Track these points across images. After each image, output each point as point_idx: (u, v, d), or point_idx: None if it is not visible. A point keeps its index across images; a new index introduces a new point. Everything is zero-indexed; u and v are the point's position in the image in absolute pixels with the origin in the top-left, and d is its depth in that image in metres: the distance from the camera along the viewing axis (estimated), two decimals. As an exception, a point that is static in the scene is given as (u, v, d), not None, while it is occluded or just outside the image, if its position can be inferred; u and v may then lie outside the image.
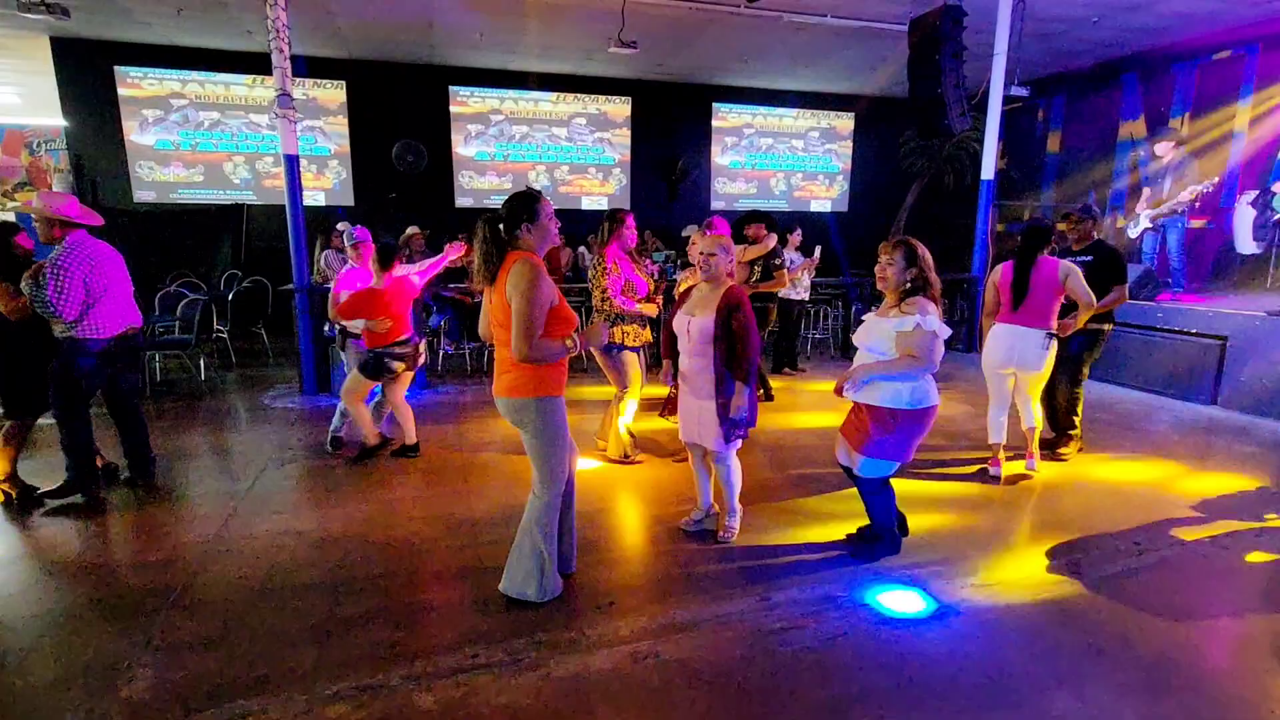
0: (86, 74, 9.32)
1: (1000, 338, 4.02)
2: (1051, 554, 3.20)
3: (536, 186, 11.44)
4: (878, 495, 3.08)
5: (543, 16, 8.09)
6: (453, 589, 2.93)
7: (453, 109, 10.94)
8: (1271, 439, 4.99)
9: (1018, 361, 3.98)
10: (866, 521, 3.22)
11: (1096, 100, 10.46)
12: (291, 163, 5.71)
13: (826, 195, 13.26)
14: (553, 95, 11.30)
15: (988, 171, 7.90)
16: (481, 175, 11.28)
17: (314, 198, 10.50)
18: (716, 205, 12.54)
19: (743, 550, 3.24)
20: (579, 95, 11.42)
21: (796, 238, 6.92)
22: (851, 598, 2.82)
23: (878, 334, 2.90)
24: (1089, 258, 4.28)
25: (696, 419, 3.18)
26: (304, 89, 10.18)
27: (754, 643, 2.52)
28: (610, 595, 2.85)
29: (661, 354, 3.80)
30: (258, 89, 10.02)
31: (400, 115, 10.61)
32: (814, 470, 4.29)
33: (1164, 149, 6.99)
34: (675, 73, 11.26)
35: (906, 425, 2.89)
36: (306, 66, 10.06)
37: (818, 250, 6.95)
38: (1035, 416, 4.17)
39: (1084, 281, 3.86)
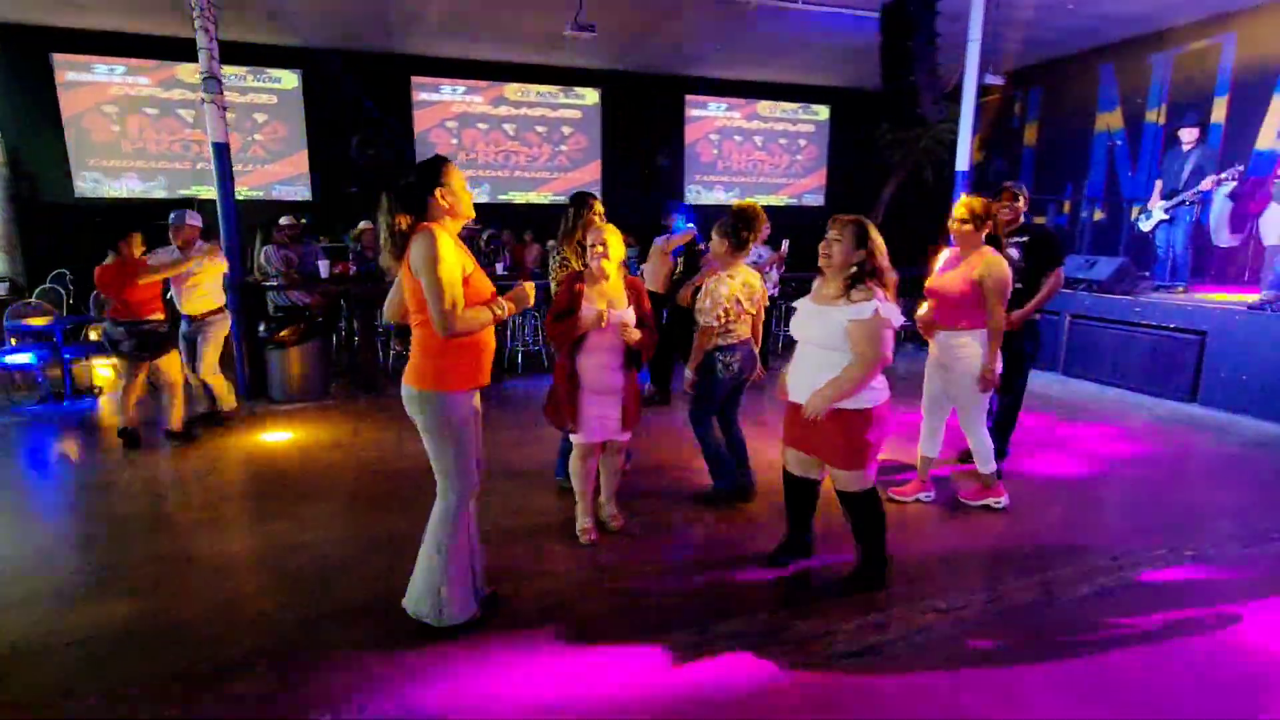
0: (21, 62, 8.82)
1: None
2: (1020, 572, 2.93)
3: (487, 188, 11.09)
4: (872, 512, 2.71)
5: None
6: (356, 625, 2.60)
7: (415, 99, 10.54)
8: (1253, 438, 4.79)
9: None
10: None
11: (1073, 91, 10.28)
12: (221, 151, 5.32)
13: (802, 188, 13.00)
14: (519, 85, 10.93)
15: (962, 162, 7.66)
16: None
17: (277, 191, 10.07)
18: (691, 199, 12.25)
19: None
20: (547, 86, 11.06)
21: (764, 231, 6.61)
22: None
23: (826, 326, 2.55)
24: (1024, 237, 3.92)
25: (612, 415, 3.11)
26: (261, 78, 9.76)
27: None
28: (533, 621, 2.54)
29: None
30: (207, 78, 9.55)
31: (361, 106, 10.18)
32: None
33: (1189, 138, 6.67)
34: (645, 64, 10.94)
35: (877, 423, 2.60)
36: (258, 55, 9.65)
37: (785, 243, 6.67)
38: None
39: None
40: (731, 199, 12.51)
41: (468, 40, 9.67)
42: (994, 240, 3.32)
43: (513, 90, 10.95)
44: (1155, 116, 9.25)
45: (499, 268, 7.68)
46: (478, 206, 9.60)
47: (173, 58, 9.28)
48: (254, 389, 5.68)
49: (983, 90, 8.08)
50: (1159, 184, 6.82)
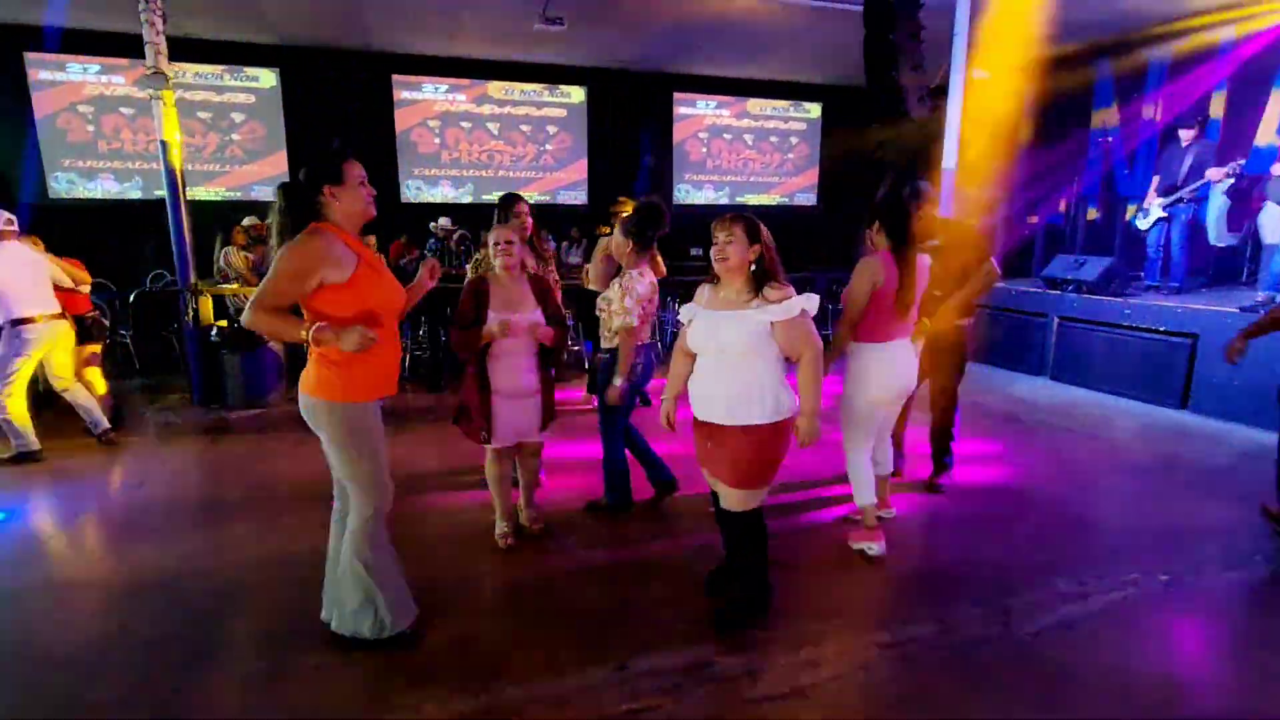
0: (-10, 60, 8.68)
1: (892, 362, 3.03)
2: (977, 602, 2.71)
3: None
4: (755, 536, 2.49)
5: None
6: (263, 654, 2.40)
7: (397, 98, 10.36)
8: (1245, 448, 4.54)
9: (905, 384, 3.12)
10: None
11: (1068, 87, 10.00)
12: (168, 149, 5.13)
13: (794, 188, 12.76)
14: (503, 84, 10.74)
15: (949, 160, 7.43)
16: (430, 167, 10.71)
17: (256, 192, 9.91)
18: (680, 198, 12.03)
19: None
20: (532, 84, 10.86)
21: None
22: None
23: (743, 330, 2.30)
24: (934, 241, 3.60)
25: (527, 417, 3.07)
26: (238, 77, 9.61)
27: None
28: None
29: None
30: (185, 76, 9.40)
31: (341, 106, 10.01)
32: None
33: (1187, 134, 6.40)
34: (631, 60, 10.73)
35: (783, 438, 2.38)
36: (235, 54, 9.49)
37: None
38: (890, 452, 3.40)
39: None
40: (721, 198, 12.30)
41: (448, 38, 9.49)
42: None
43: (496, 88, 10.76)
44: (1152, 112, 9.00)
45: (467, 268, 7.47)
46: (461, 206, 9.51)
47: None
48: (208, 395, 5.50)
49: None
50: (1156, 180, 6.55)
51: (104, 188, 9.35)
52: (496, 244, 2.96)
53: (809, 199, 12.87)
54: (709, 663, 2.32)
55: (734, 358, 2.34)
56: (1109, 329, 5.97)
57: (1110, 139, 9.29)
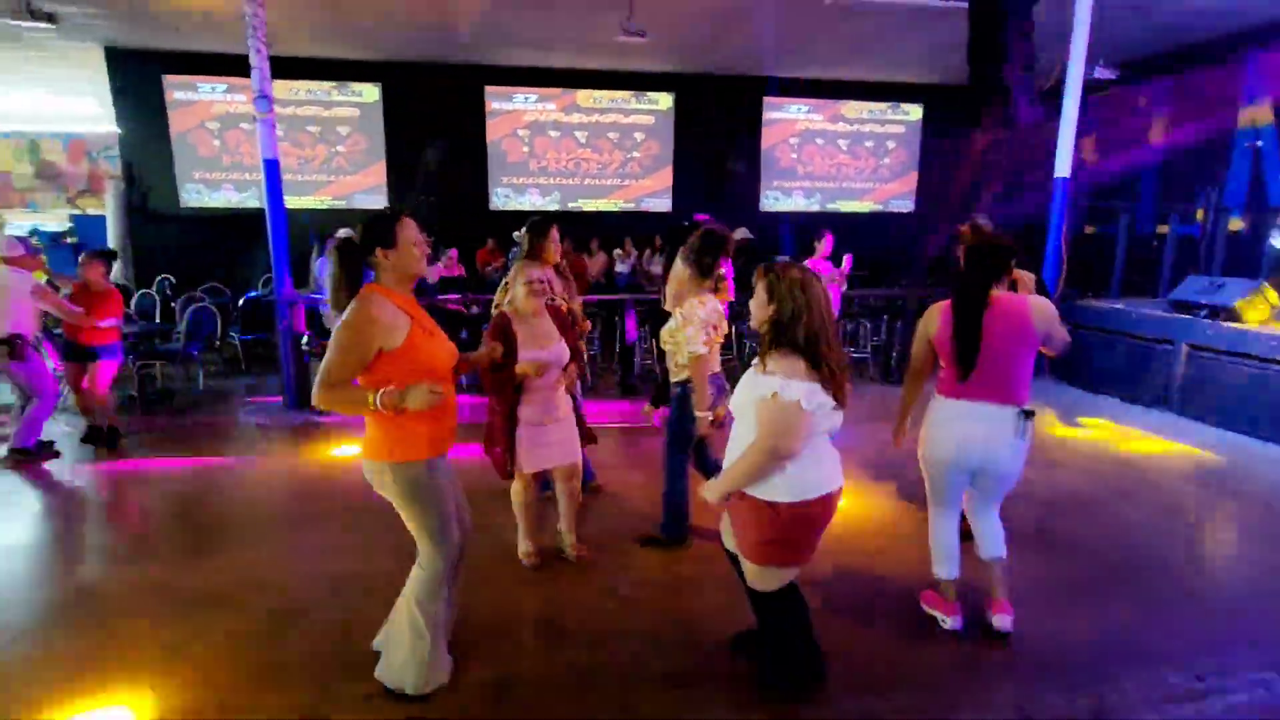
0: (136, 83, 9.60)
1: (949, 422, 2.62)
2: (1064, 689, 2.39)
3: (552, 198, 11.02)
4: (775, 611, 2.25)
5: (549, 6, 7.60)
6: (299, 682, 2.45)
7: (489, 109, 10.66)
8: None
9: (980, 458, 2.58)
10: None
11: (1211, 82, 8.94)
12: (272, 167, 5.47)
13: (889, 194, 12.14)
14: (591, 92, 10.81)
15: (1062, 168, 6.78)
16: (518, 175, 10.95)
17: (358, 200, 10.50)
18: (767, 205, 11.72)
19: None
20: (620, 91, 10.87)
21: (826, 245, 6.09)
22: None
23: (745, 394, 2.11)
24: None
25: (560, 440, 3.09)
26: (344, 92, 10.19)
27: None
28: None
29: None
30: (298, 93, 10.07)
31: (437, 117, 10.41)
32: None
33: None
34: (720, 65, 10.53)
35: (791, 522, 2.07)
36: (342, 70, 10.06)
37: (848, 259, 6.11)
38: (999, 536, 2.71)
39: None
40: (811, 205, 11.90)
41: (539, 50, 9.66)
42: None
43: (585, 97, 10.86)
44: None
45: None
46: (546, 214, 9.67)
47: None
48: (300, 398, 5.82)
49: (1093, 86, 7.18)
50: None
51: (225, 198, 10.15)
52: (531, 284, 2.93)
53: (905, 205, 12.21)
54: (747, 734, 2.16)
55: (744, 421, 2.12)
56: (1252, 362, 5.24)
57: (1260, 141, 8.22)
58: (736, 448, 2.12)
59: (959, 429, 2.58)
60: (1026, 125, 6.65)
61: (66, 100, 11.64)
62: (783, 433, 1.97)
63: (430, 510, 2.23)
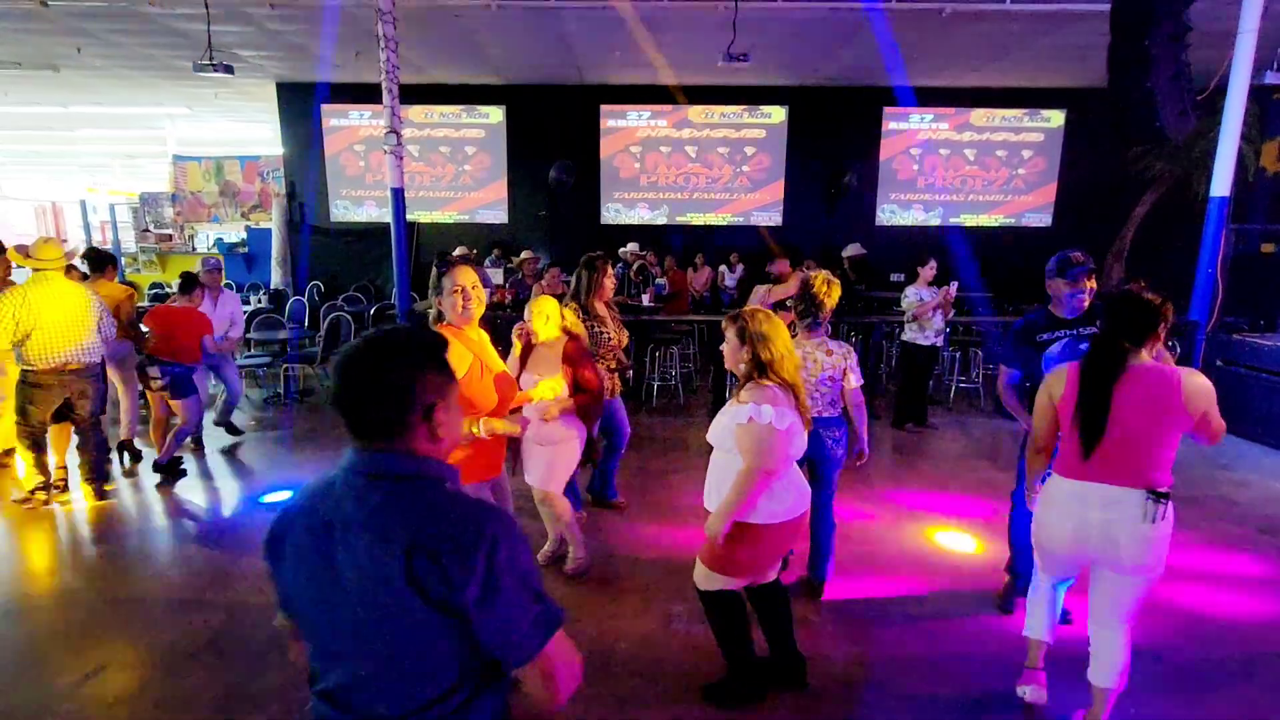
0: (299, 111, 10.87)
1: (1064, 505, 2.28)
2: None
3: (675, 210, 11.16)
4: (715, 617, 2.48)
5: (661, 30, 7.79)
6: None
7: (604, 126, 11.04)
8: None
9: (1098, 547, 2.22)
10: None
11: None
12: (398, 195, 6.03)
13: (1024, 206, 11.27)
14: (703, 107, 10.91)
15: (1220, 186, 6.04)
16: (629, 190, 11.26)
17: (480, 215, 11.27)
18: (883, 219, 11.27)
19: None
20: (732, 106, 10.89)
21: (929, 271, 5.81)
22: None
23: (719, 425, 2.35)
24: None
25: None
26: (472, 115, 10.97)
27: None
28: None
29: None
30: (432, 116, 10.96)
31: (555, 136, 10.94)
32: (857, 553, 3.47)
33: None
34: (835, 77, 10.27)
35: (759, 542, 2.33)
36: (471, 94, 10.82)
37: (953, 285, 5.79)
38: (1118, 661, 2.27)
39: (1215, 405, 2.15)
40: (931, 220, 11.30)
41: (651, 68, 9.89)
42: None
43: (696, 112, 10.97)
44: None
45: (644, 298, 7.72)
46: (655, 228, 9.93)
47: (407, 102, 10.79)
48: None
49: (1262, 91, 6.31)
50: None
51: (367, 213, 11.23)
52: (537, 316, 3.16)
53: (1042, 219, 11.28)
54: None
55: (721, 449, 2.37)
56: None
57: None
58: (714, 475, 2.37)
59: (1074, 513, 2.24)
60: (1176, 139, 5.97)
61: (244, 127, 13.39)
62: (763, 452, 2.20)
63: None
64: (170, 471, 4.69)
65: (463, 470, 2.33)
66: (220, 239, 12.24)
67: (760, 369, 2.28)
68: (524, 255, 7.64)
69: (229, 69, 6.49)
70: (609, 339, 3.80)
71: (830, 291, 3.05)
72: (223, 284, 5.56)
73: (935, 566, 3.63)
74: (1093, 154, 10.77)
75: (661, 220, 11.26)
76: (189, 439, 4.98)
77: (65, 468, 4.44)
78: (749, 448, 2.21)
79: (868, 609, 3.23)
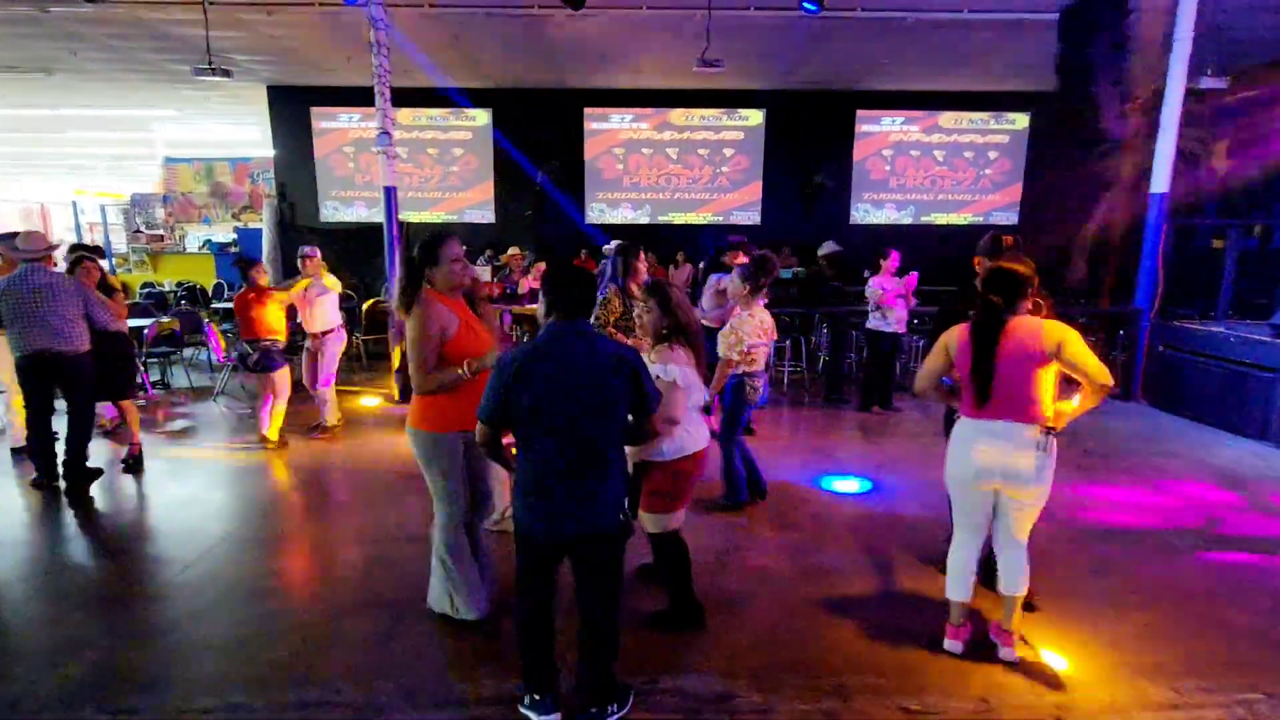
0: (290, 114, 11.13)
1: (970, 440, 2.66)
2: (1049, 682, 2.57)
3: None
4: (666, 556, 2.92)
5: (640, 37, 8.16)
6: (370, 618, 3.07)
7: (587, 129, 11.39)
8: None
9: (1001, 474, 2.61)
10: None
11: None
12: (390, 194, 6.34)
13: (991, 205, 11.75)
14: (684, 110, 11.29)
15: (1159, 183, 6.50)
16: (613, 191, 11.62)
17: (468, 215, 11.58)
18: (857, 218, 11.71)
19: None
20: (711, 109, 11.28)
21: (892, 262, 6.21)
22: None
23: None
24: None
25: None
26: (459, 117, 11.28)
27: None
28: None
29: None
30: (421, 120, 11.26)
31: (540, 137, 11.27)
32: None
33: None
34: (811, 81, 10.70)
35: (670, 475, 2.80)
36: (457, 97, 11.12)
37: (913, 275, 6.19)
38: (1021, 573, 2.71)
39: (1087, 348, 2.56)
40: (903, 218, 11.76)
41: (632, 73, 10.26)
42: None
43: (677, 115, 11.36)
44: None
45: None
46: (639, 227, 10.31)
47: (395, 105, 11.07)
48: (404, 393, 6.66)
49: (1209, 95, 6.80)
50: None
51: (357, 213, 11.50)
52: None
53: (1008, 218, 11.77)
54: (731, 695, 2.52)
55: None
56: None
57: None
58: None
59: (978, 446, 2.63)
60: (1115, 139, 6.44)
61: (236, 130, 13.60)
62: (668, 404, 2.63)
63: (439, 474, 2.77)
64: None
65: (444, 418, 2.69)
66: (210, 239, 12.47)
67: (675, 333, 2.79)
68: (511, 251, 7.98)
69: (227, 73, 6.77)
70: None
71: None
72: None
73: (882, 529, 4.01)
74: (1055, 155, 11.25)
75: (644, 219, 11.63)
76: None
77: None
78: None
79: (818, 562, 3.60)
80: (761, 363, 4.02)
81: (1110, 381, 2.53)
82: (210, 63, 6.44)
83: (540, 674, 2.35)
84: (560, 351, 2.14)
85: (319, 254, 5.40)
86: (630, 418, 2.28)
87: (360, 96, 10.90)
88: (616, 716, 2.36)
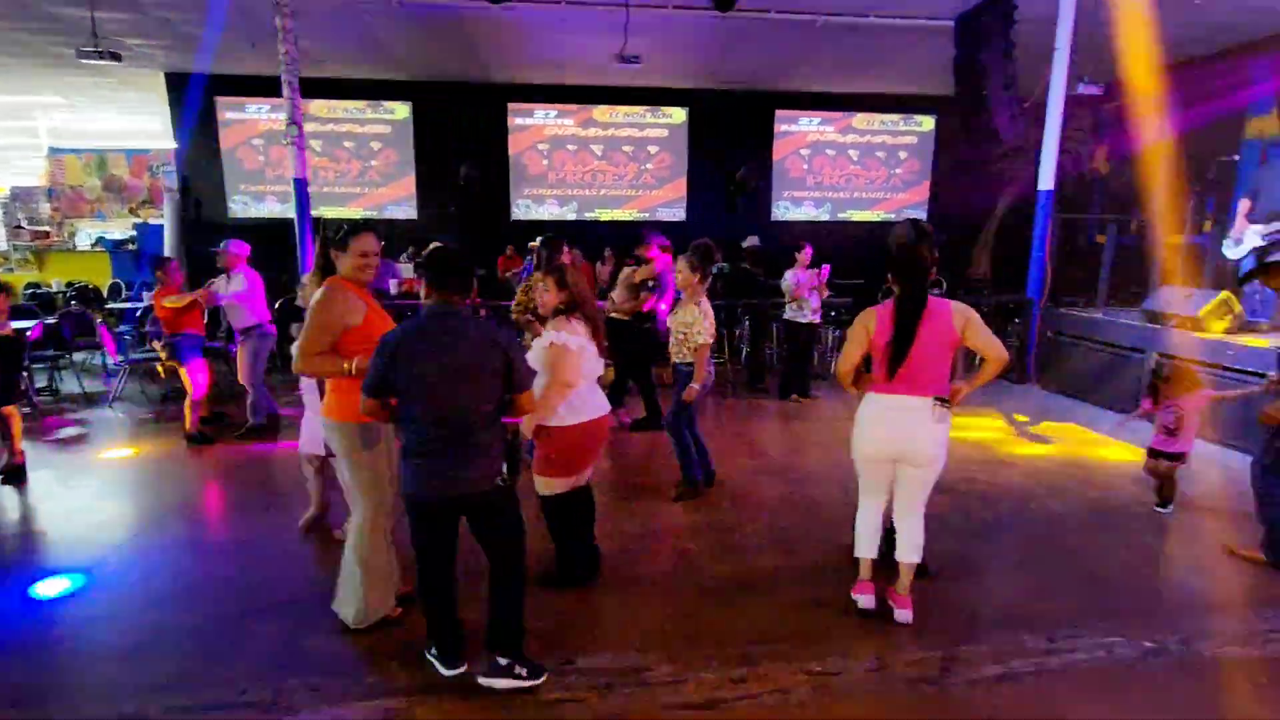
0: (192, 104, 10.50)
1: (879, 416, 2.86)
2: (929, 645, 2.76)
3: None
4: (551, 518, 3.10)
5: (561, 32, 8.16)
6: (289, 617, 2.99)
7: (511, 124, 11.27)
8: None
9: (904, 446, 2.83)
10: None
11: (1216, 93, 8.97)
12: (300, 185, 6.12)
13: (902, 203, 12.35)
14: (608, 107, 11.34)
15: (1045, 181, 7.01)
16: (538, 187, 11.55)
17: (389, 211, 11.26)
18: (778, 215, 12.07)
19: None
20: (635, 107, 11.37)
21: (806, 255, 6.47)
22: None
23: (535, 353, 2.93)
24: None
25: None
26: (378, 110, 10.95)
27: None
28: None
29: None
30: (336, 112, 10.87)
31: (462, 133, 11.08)
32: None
33: None
34: (731, 80, 10.95)
35: (565, 442, 2.97)
36: (376, 90, 10.81)
37: (825, 268, 6.46)
38: (917, 540, 2.92)
39: (986, 327, 2.80)
40: (821, 215, 12.19)
41: (556, 68, 10.23)
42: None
43: (601, 112, 11.39)
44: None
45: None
46: (566, 223, 10.29)
47: (308, 96, 10.63)
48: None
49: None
50: (1246, 204, 5.79)
51: (269, 208, 10.99)
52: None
53: (919, 214, 12.37)
54: (644, 668, 2.59)
55: (541, 374, 2.92)
56: (1215, 371, 5.41)
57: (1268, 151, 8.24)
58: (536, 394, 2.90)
59: (887, 420, 2.82)
60: (1009, 141, 6.91)
61: (132, 119, 12.74)
62: (560, 368, 2.84)
63: (363, 466, 2.71)
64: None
65: (342, 410, 2.64)
66: (103, 235, 11.64)
67: (571, 308, 2.96)
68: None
69: (116, 56, 6.36)
70: None
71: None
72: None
73: (796, 509, 4.19)
74: (959, 156, 11.94)
75: (571, 216, 11.62)
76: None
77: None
78: (549, 365, 2.88)
79: (733, 541, 3.73)
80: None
81: (1006, 356, 2.79)
82: (97, 45, 6.03)
83: (443, 637, 2.52)
84: (436, 329, 2.33)
85: (233, 248, 5.44)
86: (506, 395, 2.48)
87: (270, 86, 10.44)
88: (527, 682, 2.45)
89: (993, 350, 2.77)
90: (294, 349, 2.61)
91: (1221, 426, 5.06)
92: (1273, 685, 2.53)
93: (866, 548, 3.03)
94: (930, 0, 7.35)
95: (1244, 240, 5.72)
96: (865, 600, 3.00)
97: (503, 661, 2.45)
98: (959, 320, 2.76)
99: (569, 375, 2.87)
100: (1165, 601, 3.12)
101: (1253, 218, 5.68)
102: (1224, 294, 5.64)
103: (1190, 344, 5.62)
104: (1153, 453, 4.08)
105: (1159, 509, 4.07)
